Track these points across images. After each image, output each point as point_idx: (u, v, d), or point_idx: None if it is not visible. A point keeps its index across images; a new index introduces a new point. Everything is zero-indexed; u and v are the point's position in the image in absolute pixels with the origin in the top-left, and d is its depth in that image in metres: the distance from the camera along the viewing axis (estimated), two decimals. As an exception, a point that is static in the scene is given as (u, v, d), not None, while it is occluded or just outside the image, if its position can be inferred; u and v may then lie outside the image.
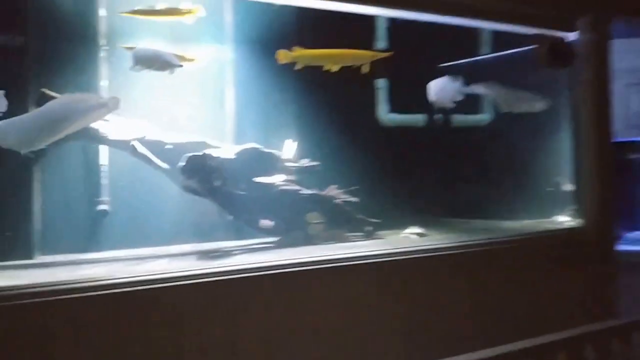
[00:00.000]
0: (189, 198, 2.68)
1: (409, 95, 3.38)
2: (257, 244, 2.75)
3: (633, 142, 4.07)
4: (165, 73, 2.55)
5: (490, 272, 2.73)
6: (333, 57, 2.79)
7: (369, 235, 2.86)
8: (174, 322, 2.03)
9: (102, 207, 2.70)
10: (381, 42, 3.37)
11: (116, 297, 1.94)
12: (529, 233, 3.12)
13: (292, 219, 2.75)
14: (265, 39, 2.90)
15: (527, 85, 3.29)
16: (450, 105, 3.19)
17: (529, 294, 2.83)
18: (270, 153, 2.81)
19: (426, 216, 3.17)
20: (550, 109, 3.30)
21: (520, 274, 2.81)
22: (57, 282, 1.93)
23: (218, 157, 2.63)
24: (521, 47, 3.21)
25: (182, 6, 2.60)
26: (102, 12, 2.71)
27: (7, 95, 2.22)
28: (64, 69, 2.60)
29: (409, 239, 2.91)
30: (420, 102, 3.22)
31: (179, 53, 2.67)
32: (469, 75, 3.25)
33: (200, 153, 2.56)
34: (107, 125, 2.57)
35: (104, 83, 2.69)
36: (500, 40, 3.57)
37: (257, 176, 2.75)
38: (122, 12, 2.62)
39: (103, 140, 2.60)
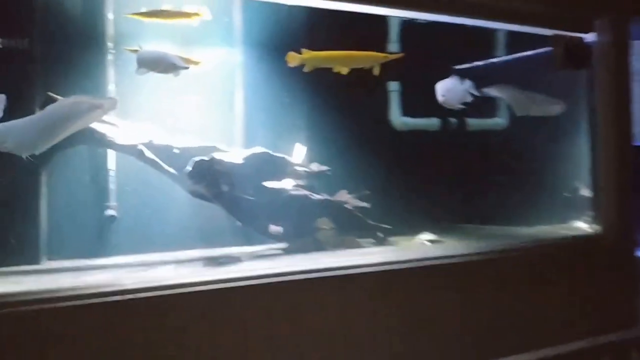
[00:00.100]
0: (197, 203, 2.65)
1: (422, 99, 3.31)
2: (265, 250, 2.71)
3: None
4: (172, 76, 2.52)
5: (504, 280, 2.66)
6: (343, 59, 2.74)
7: (380, 242, 2.80)
8: (178, 329, 2.00)
9: (110, 212, 2.68)
10: (393, 43, 3.32)
11: (120, 304, 1.92)
12: (545, 240, 3.05)
13: (301, 224, 2.71)
14: (275, 41, 2.87)
15: (544, 87, 3.22)
16: (459, 106, 3.11)
17: (545, 302, 2.75)
18: (280, 157, 2.77)
19: (439, 222, 3.11)
20: (568, 112, 3.23)
21: (533, 282, 2.73)
22: (59, 288, 1.91)
23: (226, 162, 2.60)
24: (537, 48, 3.15)
25: (188, 8, 2.58)
26: (109, 15, 2.70)
27: (12, 99, 2.20)
28: (71, 72, 2.60)
29: (422, 245, 2.84)
30: (433, 106, 3.16)
31: (185, 56, 2.64)
32: (483, 77, 3.18)
33: (207, 157, 2.53)
34: (114, 130, 2.55)
35: (111, 86, 2.68)
36: (516, 41, 3.50)
37: (266, 181, 2.71)
38: (128, 14, 2.60)
39: (110, 144, 2.59)
